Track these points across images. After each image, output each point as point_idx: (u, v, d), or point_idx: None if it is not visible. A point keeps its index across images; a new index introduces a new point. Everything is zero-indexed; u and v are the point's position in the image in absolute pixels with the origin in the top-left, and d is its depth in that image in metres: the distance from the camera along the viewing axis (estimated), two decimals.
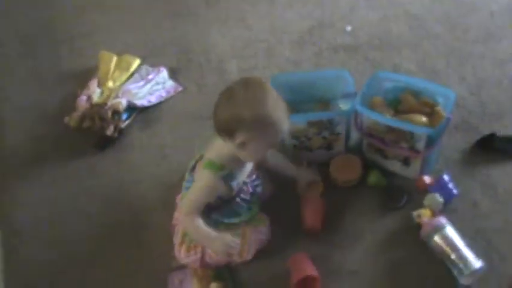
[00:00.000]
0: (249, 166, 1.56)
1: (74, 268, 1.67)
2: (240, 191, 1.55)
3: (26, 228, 1.78)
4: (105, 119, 1.94)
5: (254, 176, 1.63)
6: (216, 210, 1.54)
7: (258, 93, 1.38)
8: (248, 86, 1.40)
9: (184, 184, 1.62)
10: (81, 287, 1.63)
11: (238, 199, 1.54)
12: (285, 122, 1.42)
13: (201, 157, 1.54)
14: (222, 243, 1.45)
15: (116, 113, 1.97)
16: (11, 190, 1.88)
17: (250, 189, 1.59)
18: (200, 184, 1.49)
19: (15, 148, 2.01)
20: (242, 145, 1.39)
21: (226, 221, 1.55)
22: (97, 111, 1.95)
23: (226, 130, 1.40)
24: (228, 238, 1.47)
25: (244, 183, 1.56)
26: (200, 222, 1.48)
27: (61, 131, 2.02)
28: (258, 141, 1.40)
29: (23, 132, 2.06)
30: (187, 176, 1.62)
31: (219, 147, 1.46)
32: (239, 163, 1.49)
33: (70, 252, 1.71)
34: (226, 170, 1.45)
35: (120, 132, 1.99)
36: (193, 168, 1.57)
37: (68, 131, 2.01)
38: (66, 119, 2.02)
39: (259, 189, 1.62)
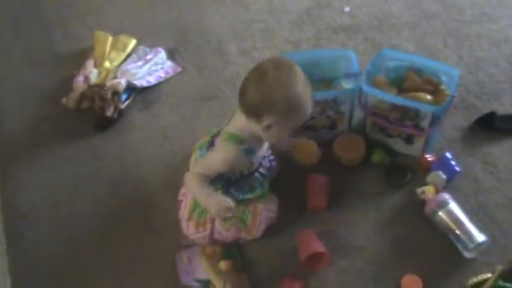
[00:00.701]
0: (267, 143, 1.57)
1: (80, 251, 1.67)
2: (260, 165, 1.55)
3: (30, 212, 1.76)
4: (106, 99, 1.92)
5: (270, 151, 1.64)
6: (235, 184, 1.54)
7: (289, 75, 1.36)
8: (279, 67, 1.37)
9: (196, 158, 1.62)
10: (87, 270, 1.62)
11: (257, 173, 1.55)
12: (311, 105, 1.42)
13: (219, 132, 1.54)
14: (216, 202, 1.44)
15: (116, 93, 1.95)
16: (13, 174, 1.86)
17: (268, 164, 1.59)
18: (219, 154, 1.48)
19: (15, 132, 1.98)
20: (268, 127, 1.39)
21: (241, 197, 1.55)
22: (97, 91, 1.93)
23: (254, 111, 1.38)
24: (221, 197, 1.46)
25: (264, 157, 1.57)
26: (205, 184, 1.48)
27: (59, 113, 2.00)
28: (284, 125, 1.40)
29: (21, 116, 2.03)
30: (198, 153, 1.61)
31: (241, 123, 1.45)
32: (260, 141, 1.50)
33: (76, 235, 1.70)
34: (246, 145, 1.45)
35: (120, 113, 1.97)
36: (212, 144, 1.55)
37: (66, 112, 1.99)
38: (64, 100, 2.00)
39: (274, 164, 1.63)
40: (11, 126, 2.00)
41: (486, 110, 1.82)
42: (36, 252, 1.67)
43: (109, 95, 1.93)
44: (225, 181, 1.52)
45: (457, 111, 1.85)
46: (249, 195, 1.56)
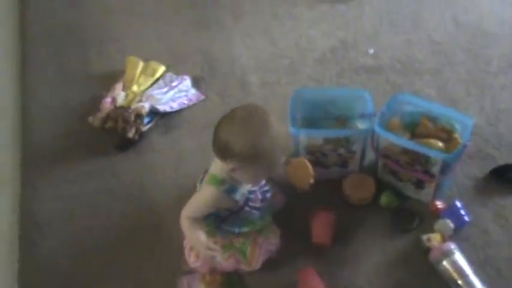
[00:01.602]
0: None
1: (88, 265, 1.71)
2: (248, 200, 1.54)
3: (46, 223, 1.83)
4: (128, 121, 1.99)
5: (263, 182, 1.64)
6: (226, 221, 1.55)
7: (255, 126, 1.37)
8: (249, 116, 1.39)
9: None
10: (96, 285, 1.67)
11: (247, 208, 1.55)
12: (279, 158, 1.42)
13: (207, 171, 1.56)
14: (202, 249, 1.49)
15: (139, 116, 2.02)
16: (34, 185, 1.93)
17: (260, 196, 1.59)
18: (202, 196, 1.51)
19: (40, 145, 2.07)
20: (232, 170, 1.42)
21: (237, 230, 1.56)
22: (121, 113, 2.01)
23: (219, 152, 1.42)
24: (208, 245, 1.49)
25: (252, 191, 1.56)
26: (195, 225, 1.51)
27: (85, 130, 2.08)
28: (248, 171, 1.42)
29: (48, 130, 2.12)
30: (198, 187, 1.64)
31: (220, 163, 1.47)
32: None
33: (86, 249, 1.75)
34: (227, 185, 1.46)
35: (141, 135, 2.04)
36: (202, 180, 1.59)
37: (91, 130, 2.07)
38: (90, 119, 2.08)
39: (268, 195, 1.62)
40: (38, 138, 2.09)
41: (503, 162, 1.80)
42: (46, 262, 1.73)
43: (132, 117, 2.01)
44: (215, 217, 1.54)
45: (472, 161, 1.84)
46: (246, 229, 1.56)
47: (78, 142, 2.06)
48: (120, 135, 2.01)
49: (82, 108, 2.16)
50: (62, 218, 1.83)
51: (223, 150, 1.40)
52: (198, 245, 1.50)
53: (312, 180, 1.60)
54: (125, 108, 2.03)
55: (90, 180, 1.93)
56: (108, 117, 2.04)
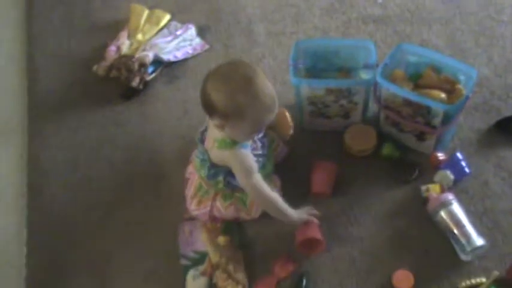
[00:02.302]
0: None
1: (94, 211, 1.76)
2: (252, 149, 1.55)
3: (52, 171, 1.87)
4: (132, 71, 1.99)
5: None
6: (234, 175, 1.54)
7: (238, 83, 1.35)
8: (233, 72, 1.38)
9: (197, 155, 1.63)
10: (99, 230, 1.72)
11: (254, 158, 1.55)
12: (263, 116, 1.40)
13: (206, 129, 1.55)
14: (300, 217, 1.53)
15: (143, 65, 2.02)
16: (40, 133, 1.97)
17: (259, 143, 1.59)
18: (237, 163, 1.48)
19: (46, 93, 2.09)
20: (220, 127, 1.42)
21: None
22: (124, 62, 2.00)
23: (204, 108, 1.41)
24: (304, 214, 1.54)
25: (253, 141, 1.57)
26: (282, 202, 1.51)
27: (90, 79, 2.09)
28: (232, 128, 1.42)
29: (53, 78, 2.13)
30: (199, 145, 1.61)
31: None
32: None
33: (91, 196, 1.80)
34: (236, 142, 1.46)
35: (145, 84, 2.04)
36: (202, 140, 1.58)
37: (96, 79, 2.08)
38: (95, 68, 2.08)
39: (265, 141, 1.62)
40: (43, 87, 2.11)
41: (508, 114, 1.77)
42: (52, 208, 1.78)
43: (136, 66, 2.00)
44: (224, 174, 1.54)
45: (477, 113, 1.81)
46: None
47: (83, 91, 2.08)
48: (124, 84, 2.01)
49: (87, 57, 2.17)
50: (66, 166, 1.88)
51: (207, 106, 1.40)
52: (289, 216, 1.52)
53: (291, 131, 1.64)
54: (128, 57, 2.03)
55: (94, 129, 1.96)
56: (112, 66, 2.04)
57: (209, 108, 1.40)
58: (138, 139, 1.92)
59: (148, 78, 2.05)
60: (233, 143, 1.46)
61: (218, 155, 1.51)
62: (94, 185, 1.82)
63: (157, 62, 2.08)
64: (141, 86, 2.03)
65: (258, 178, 1.49)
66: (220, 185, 1.57)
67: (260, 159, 1.57)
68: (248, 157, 1.48)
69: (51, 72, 2.15)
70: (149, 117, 1.98)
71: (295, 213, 1.53)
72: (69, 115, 2.01)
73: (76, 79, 2.11)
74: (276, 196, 1.51)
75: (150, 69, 2.06)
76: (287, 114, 1.64)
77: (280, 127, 1.65)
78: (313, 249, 1.57)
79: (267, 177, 1.61)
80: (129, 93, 2.03)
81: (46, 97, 2.08)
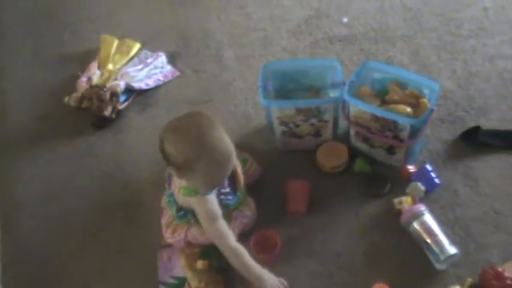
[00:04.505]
0: None
1: (70, 243, 1.75)
2: (219, 191, 1.54)
3: (25, 204, 1.86)
4: (103, 100, 2.00)
5: None
6: None
7: (191, 138, 1.35)
8: (188, 128, 1.36)
9: (165, 193, 1.65)
10: (76, 261, 1.70)
11: (222, 197, 1.55)
12: (217, 172, 1.40)
13: (171, 174, 1.55)
14: (271, 285, 1.48)
15: (114, 94, 2.03)
16: (12, 166, 1.96)
17: (226, 181, 1.57)
18: (201, 211, 1.49)
19: (17, 126, 2.09)
20: (178, 176, 1.43)
21: None
22: (95, 92, 2.02)
23: (161, 156, 1.42)
24: (278, 281, 1.50)
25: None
26: (245, 254, 1.47)
27: (61, 111, 2.10)
28: (189, 180, 1.43)
29: (24, 111, 2.14)
30: (167, 188, 1.62)
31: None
32: None
33: (67, 228, 1.79)
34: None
35: (118, 113, 2.06)
36: (169, 182, 1.59)
37: (68, 111, 2.09)
38: (66, 99, 2.09)
39: (232, 179, 1.60)
40: (15, 119, 2.11)
41: (473, 125, 1.83)
42: (27, 241, 1.76)
43: (107, 95, 2.02)
44: (193, 213, 1.54)
45: (443, 124, 1.87)
46: (225, 212, 1.56)
47: (56, 123, 2.08)
48: (96, 114, 2.02)
49: (58, 89, 2.18)
50: (41, 198, 1.86)
51: (162, 155, 1.41)
52: (264, 278, 1.48)
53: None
54: (100, 87, 2.05)
55: (68, 161, 1.96)
56: (83, 96, 2.05)
57: (163, 157, 1.41)
58: (113, 168, 1.93)
59: (121, 107, 2.06)
60: (197, 191, 1.47)
61: (184, 200, 1.53)
62: (69, 216, 1.81)
63: (129, 90, 2.10)
64: (113, 115, 2.04)
65: (222, 225, 1.48)
66: (192, 221, 1.58)
67: (229, 197, 1.57)
68: (212, 203, 1.48)
69: (22, 105, 2.16)
70: (123, 146, 1.99)
71: (265, 274, 1.47)
72: (41, 148, 2.01)
73: (48, 111, 2.12)
74: (239, 248, 1.47)
75: (122, 98, 2.08)
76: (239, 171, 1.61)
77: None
78: (268, 253, 1.57)
79: (241, 204, 1.63)
80: (102, 123, 2.04)
81: (18, 130, 2.07)
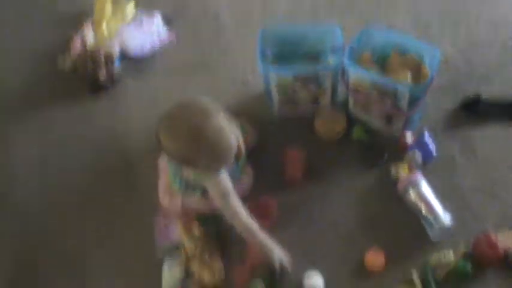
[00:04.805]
0: None
1: (65, 210, 1.74)
2: None
3: (19, 171, 1.85)
4: (98, 64, 1.96)
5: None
6: None
7: (187, 138, 1.29)
8: (185, 124, 1.29)
9: (169, 170, 1.59)
10: (72, 229, 1.70)
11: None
12: (217, 165, 1.37)
13: None
14: (279, 257, 1.48)
15: (109, 59, 1.99)
16: (6, 132, 1.94)
17: None
18: (213, 189, 1.46)
19: (9, 91, 2.05)
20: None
21: None
22: (90, 55, 1.97)
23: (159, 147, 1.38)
24: (280, 253, 1.50)
25: None
26: (257, 229, 1.46)
27: (55, 74, 2.05)
28: (189, 170, 1.43)
29: (17, 74, 2.10)
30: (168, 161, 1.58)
31: None
32: None
33: (61, 194, 1.78)
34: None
35: (113, 79, 2.02)
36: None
37: (62, 74, 2.04)
38: (60, 62, 2.05)
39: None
40: (7, 84, 2.07)
41: (474, 93, 1.80)
42: (21, 210, 1.76)
43: (102, 59, 1.98)
44: (200, 189, 1.54)
45: (443, 93, 1.84)
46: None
47: (49, 87, 2.04)
48: (91, 78, 1.99)
49: (51, 51, 2.12)
50: (36, 164, 1.85)
51: (163, 151, 1.38)
52: (269, 249, 1.48)
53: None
54: (94, 51, 2.00)
55: (62, 126, 1.93)
56: (78, 59, 2.01)
57: (163, 150, 1.38)
58: (109, 135, 1.90)
59: (116, 72, 2.02)
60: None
61: (196, 181, 1.51)
62: (64, 183, 1.80)
63: (124, 55, 2.05)
64: (108, 81, 2.00)
65: (235, 200, 1.46)
66: (198, 194, 1.57)
67: (233, 167, 1.55)
68: (224, 180, 1.45)
69: (15, 69, 2.11)
70: (119, 112, 1.96)
71: (275, 248, 1.48)
72: (35, 113, 1.98)
73: (41, 75, 2.08)
74: (252, 222, 1.47)
75: (117, 63, 2.03)
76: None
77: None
78: (264, 220, 1.56)
79: (241, 173, 1.62)
80: (97, 88, 2.00)
81: (10, 95, 2.04)
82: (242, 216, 1.46)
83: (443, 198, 1.57)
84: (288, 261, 1.51)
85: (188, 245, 1.58)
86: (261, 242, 1.48)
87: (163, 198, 1.64)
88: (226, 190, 1.45)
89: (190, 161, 1.32)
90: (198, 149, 1.29)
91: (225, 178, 1.46)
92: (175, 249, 1.59)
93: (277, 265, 1.48)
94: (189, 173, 1.49)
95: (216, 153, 1.31)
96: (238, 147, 1.54)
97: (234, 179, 1.57)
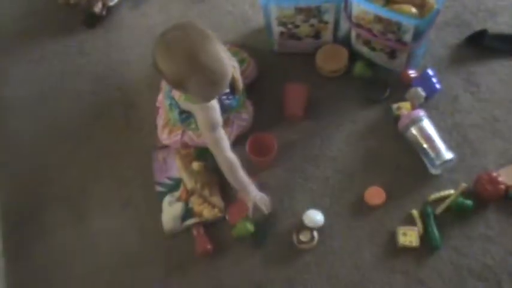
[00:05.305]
0: None
1: (64, 144, 1.74)
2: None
3: (16, 104, 1.83)
4: None
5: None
6: None
7: (182, 59, 1.25)
8: (177, 43, 1.26)
9: (165, 95, 1.57)
10: (70, 164, 1.70)
11: (223, 97, 1.51)
12: (210, 90, 1.33)
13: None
14: (254, 200, 1.49)
15: None
16: (1, 67, 1.89)
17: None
18: (201, 118, 1.45)
19: (4, 25, 1.99)
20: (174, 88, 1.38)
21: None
22: None
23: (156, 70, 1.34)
24: (261, 198, 1.50)
25: None
26: (238, 166, 1.46)
27: (49, 7, 2.00)
28: (185, 93, 1.39)
29: (11, 8, 2.03)
30: (165, 91, 1.56)
31: None
32: None
33: (59, 128, 1.77)
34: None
35: (109, 10, 1.96)
36: (169, 94, 1.53)
37: (56, 6, 1.98)
38: None
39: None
40: (1, 18, 2.00)
41: (480, 28, 1.75)
42: (20, 143, 1.75)
43: None
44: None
45: (448, 28, 1.79)
46: (229, 114, 1.56)
47: (43, 20, 1.99)
48: (86, 10, 1.93)
49: None
50: (31, 99, 1.83)
51: (157, 71, 1.33)
52: (249, 192, 1.49)
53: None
54: None
55: (58, 60, 1.90)
56: None
57: (156, 71, 1.33)
58: (105, 68, 1.87)
59: (112, 3, 1.96)
60: None
61: (186, 105, 1.48)
62: (62, 117, 1.79)
63: None
64: (104, 12, 1.95)
65: (221, 134, 1.46)
66: (193, 126, 1.55)
67: (230, 97, 1.54)
68: (214, 111, 1.44)
69: (7, 2, 2.04)
70: (115, 45, 1.92)
71: (251, 187, 1.49)
72: (30, 46, 1.94)
73: (35, 8, 2.02)
74: (233, 158, 1.46)
75: None
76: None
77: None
78: (264, 156, 1.57)
79: (240, 107, 1.60)
80: (92, 20, 1.95)
81: (4, 29, 1.98)
82: (224, 150, 1.46)
83: (444, 135, 1.56)
84: (265, 203, 1.51)
85: (187, 179, 1.59)
86: (238, 179, 1.48)
87: (162, 133, 1.63)
88: (214, 121, 1.44)
89: (182, 82, 1.29)
90: (191, 70, 1.26)
91: (216, 108, 1.45)
92: (175, 184, 1.60)
93: (250, 205, 1.48)
94: (179, 97, 1.46)
95: (209, 78, 1.28)
96: (236, 79, 1.52)
97: (233, 112, 1.56)
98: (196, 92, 1.33)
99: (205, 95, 1.37)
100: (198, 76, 1.27)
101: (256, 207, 1.49)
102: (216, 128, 1.45)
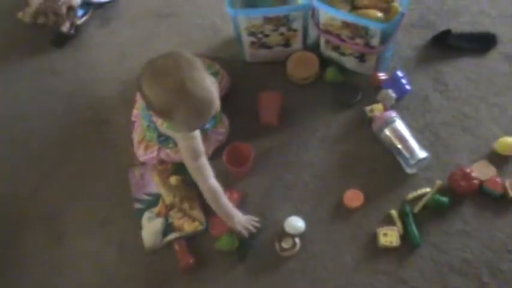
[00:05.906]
0: None
1: (39, 165, 1.71)
2: None
3: None
4: (60, 15, 1.89)
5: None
6: None
7: (169, 89, 1.24)
8: (168, 74, 1.24)
9: (143, 114, 1.56)
10: (45, 185, 1.68)
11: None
12: (197, 120, 1.32)
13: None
14: (240, 224, 1.48)
15: (71, 8, 1.92)
16: None
17: None
18: (184, 146, 1.44)
19: None
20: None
21: None
22: (50, 6, 1.89)
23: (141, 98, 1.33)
24: (246, 219, 1.50)
25: None
26: (221, 194, 1.46)
27: (17, 28, 1.98)
28: (170, 123, 1.39)
29: None
30: (143, 110, 1.55)
31: None
32: None
33: (33, 150, 1.74)
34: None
35: (77, 29, 1.95)
36: (147, 114, 1.52)
37: (23, 27, 1.97)
38: (20, 15, 1.96)
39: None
40: None
41: (444, 29, 1.80)
42: None
43: (63, 9, 1.90)
44: (174, 141, 1.52)
45: (414, 30, 1.83)
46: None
47: (11, 41, 1.97)
48: (54, 30, 1.91)
49: (8, 4, 2.03)
50: (2, 121, 1.79)
51: (144, 101, 1.32)
52: (231, 219, 1.48)
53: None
54: (54, 1, 1.92)
55: (28, 81, 1.88)
56: (38, 11, 1.93)
57: (146, 103, 1.32)
58: (77, 87, 1.86)
59: (79, 22, 1.96)
60: None
61: (167, 132, 1.48)
62: (34, 138, 1.76)
63: (87, 4, 1.98)
64: (72, 31, 1.93)
65: (203, 162, 1.45)
66: (171, 145, 1.55)
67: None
68: (196, 140, 1.43)
69: None
70: (85, 63, 1.91)
71: (236, 213, 1.49)
72: None
73: (1, 29, 1.99)
74: (217, 186, 1.46)
75: (80, 13, 1.97)
76: None
77: None
78: (241, 166, 1.58)
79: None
80: (60, 39, 1.94)
81: None
82: (208, 178, 1.45)
83: (416, 134, 1.59)
84: (252, 223, 1.50)
85: (166, 194, 1.58)
86: (221, 207, 1.47)
87: (138, 149, 1.62)
88: (197, 149, 1.44)
89: (169, 112, 1.28)
90: (179, 100, 1.25)
91: (197, 138, 1.44)
92: (153, 200, 1.59)
93: (238, 230, 1.48)
94: (162, 124, 1.46)
95: (196, 107, 1.27)
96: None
97: (206, 130, 1.56)
98: (182, 121, 1.31)
99: (190, 124, 1.35)
100: (185, 106, 1.25)
101: (244, 229, 1.49)
102: (199, 157, 1.44)
